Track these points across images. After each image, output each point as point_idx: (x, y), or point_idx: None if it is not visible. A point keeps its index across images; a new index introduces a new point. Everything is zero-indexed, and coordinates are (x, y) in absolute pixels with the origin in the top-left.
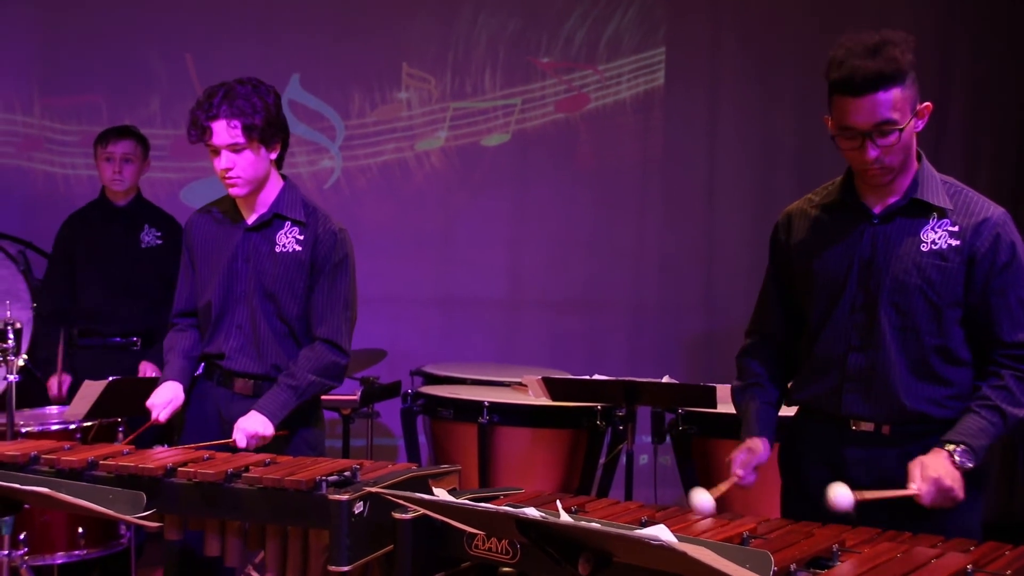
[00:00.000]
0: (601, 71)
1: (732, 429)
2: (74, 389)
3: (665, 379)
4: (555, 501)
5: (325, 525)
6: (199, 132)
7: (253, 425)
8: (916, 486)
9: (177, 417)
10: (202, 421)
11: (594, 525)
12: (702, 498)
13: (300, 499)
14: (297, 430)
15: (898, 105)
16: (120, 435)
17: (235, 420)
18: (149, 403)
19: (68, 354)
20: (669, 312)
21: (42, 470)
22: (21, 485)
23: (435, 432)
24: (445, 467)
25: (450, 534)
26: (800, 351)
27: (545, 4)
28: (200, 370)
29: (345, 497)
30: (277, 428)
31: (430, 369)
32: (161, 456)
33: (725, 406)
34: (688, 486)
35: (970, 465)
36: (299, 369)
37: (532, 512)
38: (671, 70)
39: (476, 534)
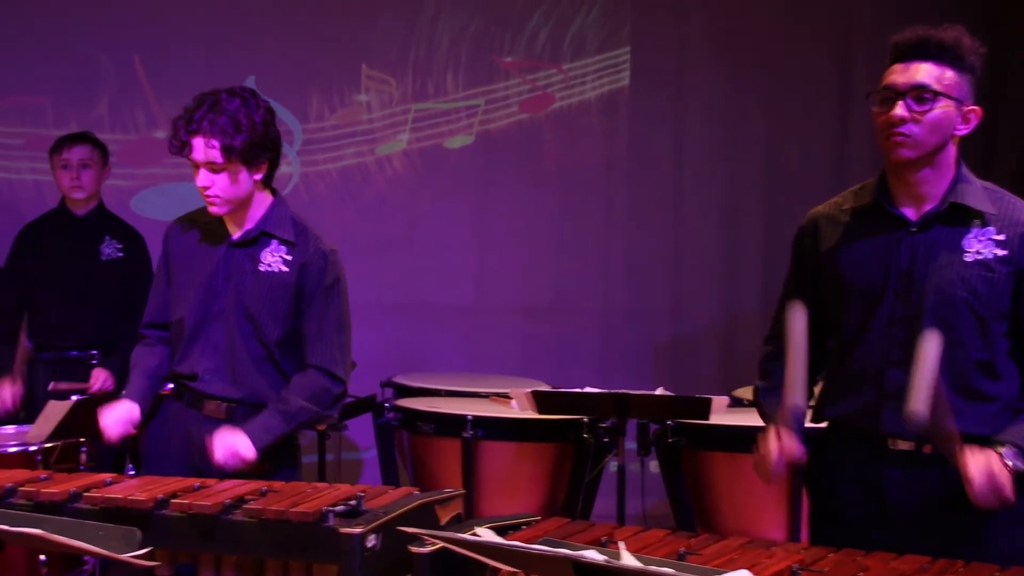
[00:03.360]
0: (566, 70)
1: (723, 441)
2: (27, 403)
3: (659, 391)
4: (617, 542)
5: (332, 559)
6: (179, 145)
7: (233, 441)
8: (970, 474)
9: (136, 439)
10: (169, 444)
11: (667, 570)
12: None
13: (305, 531)
14: (281, 469)
15: (944, 82)
16: (83, 456)
17: (207, 445)
18: (101, 423)
19: (23, 369)
20: (638, 317)
21: (19, 503)
22: (11, 527)
23: (415, 447)
24: (448, 491)
25: (471, 569)
26: (819, 359)
27: (507, 2)
28: (167, 389)
29: (358, 530)
30: (261, 458)
31: (402, 380)
32: (151, 487)
33: (717, 417)
34: (676, 497)
35: (1021, 465)
36: (290, 394)
37: (594, 555)
38: (636, 70)
39: (499, 568)
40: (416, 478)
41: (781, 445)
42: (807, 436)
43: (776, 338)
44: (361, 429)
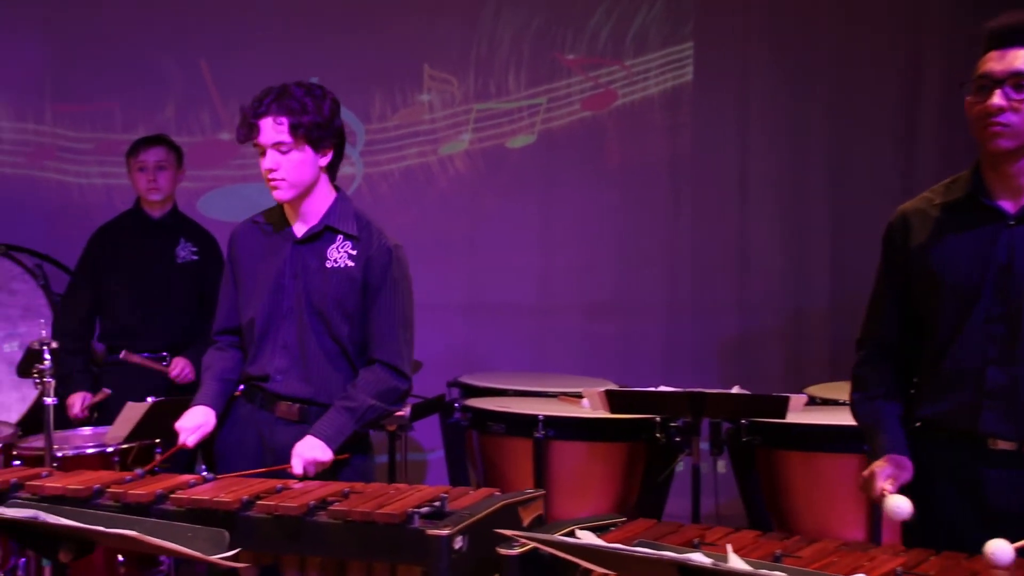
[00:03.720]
0: (628, 67)
1: (800, 440)
2: (97, 405)
3: (735, 389)
4: (723, 545)
5: (417, 561)
6: (246, 131)
7: (311, 451)
8: None
9: (209, 442)
10: (242, 446)
11: (778, 574)
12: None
13: (390, 533)
14: (352, 455)
15: None
16: (158, 457)
17: (279, 447)
18: (177, 426)
19: (93, 371)
20: (703, 315)
21: (107, 504)
22: (107, 528)
23: (484, 448)
24: (529, 492)
25: (560, 571)
26: (916, 360)
27: (569, 0)
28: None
29: (445, 532)
30: (336, 453)
31: (468, 380)
32: (235, 488)
33: (794, 416)
34: (749, 497)
35: None
36: (358, 392)
37: (700, 558)
38: (700, 65)
39: (590, 570)
40: (486, 479)
41: (896, 473)
42: None
43: (869, 341)
44: (426, 430)
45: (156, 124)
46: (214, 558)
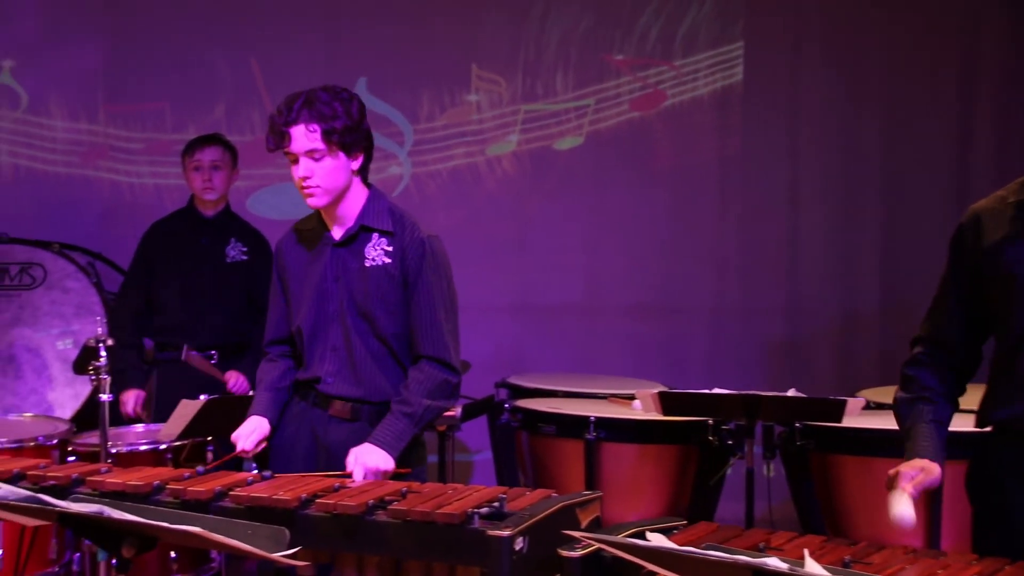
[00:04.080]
0: (677, 67)
1: (856, 444)
2: (149, 405)
3: (791, 392)
4: (803, 549)
5: (476, 561)
6: (277, 139)
7: (374, 460)
8: None
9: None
10: (295, 444)
11: None
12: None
13: (450, 533)
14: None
15: None
16: (209, 455)
17: (333, 445)
18: (234, 436)
19: (145, 368)
20: (751, 317)
21: (167, 501)
22: (171, 525)
23: (535, 449)
24: (587, 494)
25: (622, 573)
26: (974, 363)
27: (618, 0)
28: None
29: (506, 533)
30: (397, 463)
31: (517, 381)
32: (293, 486)
33: (850, 420)
34: (802, 501)
35: None
36: (412, 394)
37: (776, 563)
38: (750, 65)
39: (656, 574)
40: (536, 480)
41: (922, 478)
42: (969, 441)
43: (927, 340)
44: (472, 430)
45: (206, 124)
46: (275, 556)
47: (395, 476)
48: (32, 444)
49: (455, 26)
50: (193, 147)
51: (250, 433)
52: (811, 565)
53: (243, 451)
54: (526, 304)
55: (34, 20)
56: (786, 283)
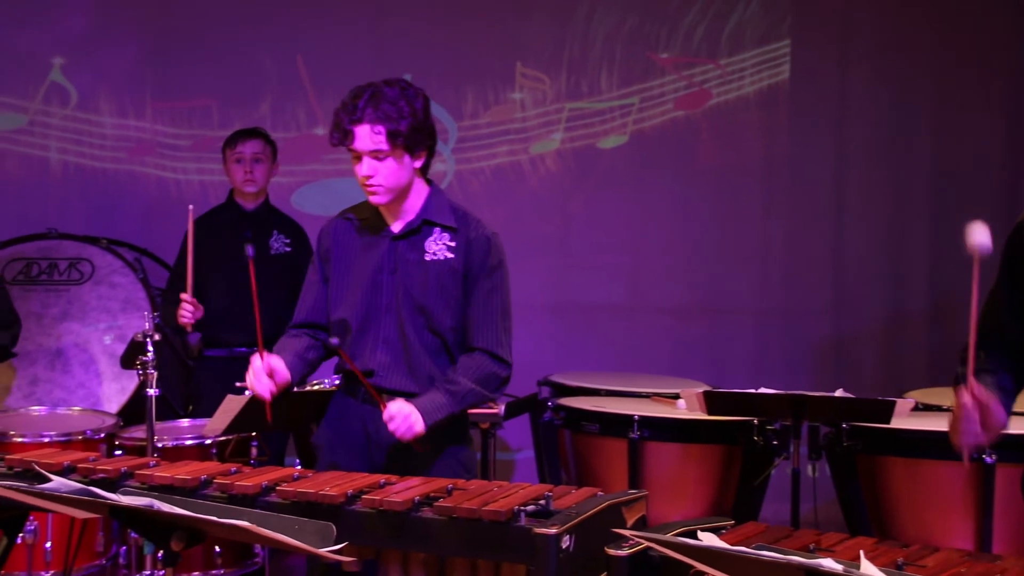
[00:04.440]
0: (723, 65)
1: (904, 446)
2: (195, 399)
3: (838, 393)
4: (858, 550)
5: (522, 559)
6: (341, 135)
7: (409, 418)
8: None
9: (304, 436)
10: (345, 441)
11: None
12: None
13: (496, 531)
14: (447, 447)
15: None
16: (254, 450)
17: (386, 441)
18: (249, 379)
19: (189, 364)
20: (796, 318)
21: (214, 495)
22: (220, 519)
23: (577, 447)
24: (633, 492)
25: (670, 573)
26: None
27: None
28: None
29: (553, 531)
30: (424, 440)
31: (560, 379)
32: (339, 482)
33: (899, 421)
34: (848, 503)
35: None
36: (459, 376)
37: (831, 564)
38: (797, 63)
39: (705, 574)
40: (578, 478)
41: (977, 398)
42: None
43: (985, 346)
44: (514, 429)
45: (252, 120)
46: (322, 551)
47: (416, 453)
48: (80, 438)
49: (500, 24)
50: (235, 140)
51: (260, 374)
52: (867, 567)
53: (257, 393)
54: (569, 303)
55: (83, 18)
56: (833, 283)
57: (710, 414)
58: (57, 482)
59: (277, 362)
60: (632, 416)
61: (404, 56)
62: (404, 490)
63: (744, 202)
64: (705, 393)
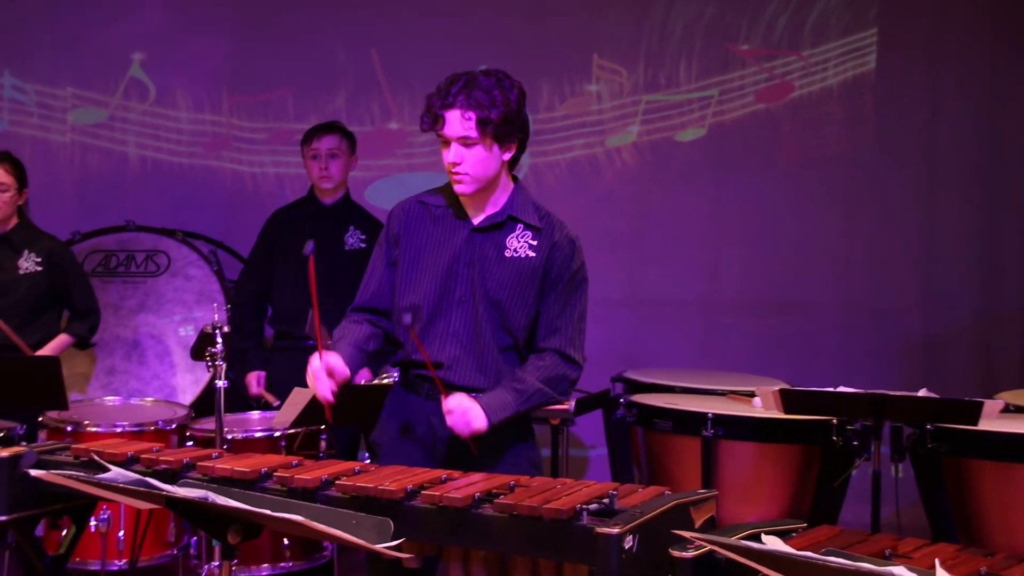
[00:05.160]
0: (806, 57)
1: (994, 449)
2: (269, 389)
3: (922, 392)
4: (936, 558)
5: (584, 559)
6: (432, 120)
7: (470, 413)
8: None
9: (368, 429)
10: (409, 436)
11: None
12: None
13: (557, 529)
14: (512, 445)
15: None
16: (322, 443)
17: (451, 437)
18: (309, 379)
19: (264, 354)
20: (882, 315)
21: (274, 488)
22: (274, 512)
23: (650, 445)
24: (702, 492)
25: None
26: None
27: None
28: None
29: (615, 531)
30: (481, 439)
31: (633, 375)
32: (400, 477)
33: (987, 423)
34: (933, 507)
35: None
36: (527, 375)
37: (904, 572)
38: (883, 52)
39: None
40: (651, 477)
41: None
42: None
43: None
44: (587, 425)
45: (327, 114)
46: (377, 547)
47: (496, 448)
48: (152, 428)
49: (576, 15)
50: (311, 136)
51: (321, 374)
52: None
53: (320, 396)
54: (644, 298)
55: (161, 13)
56: (921, 280)
57: (787, 413)
58: (115, 472)
59: (336, 360)
60: (706, 414)
61: (479, 49)
62: (465, 486)
63: (827, 196)
64: (781, 391)
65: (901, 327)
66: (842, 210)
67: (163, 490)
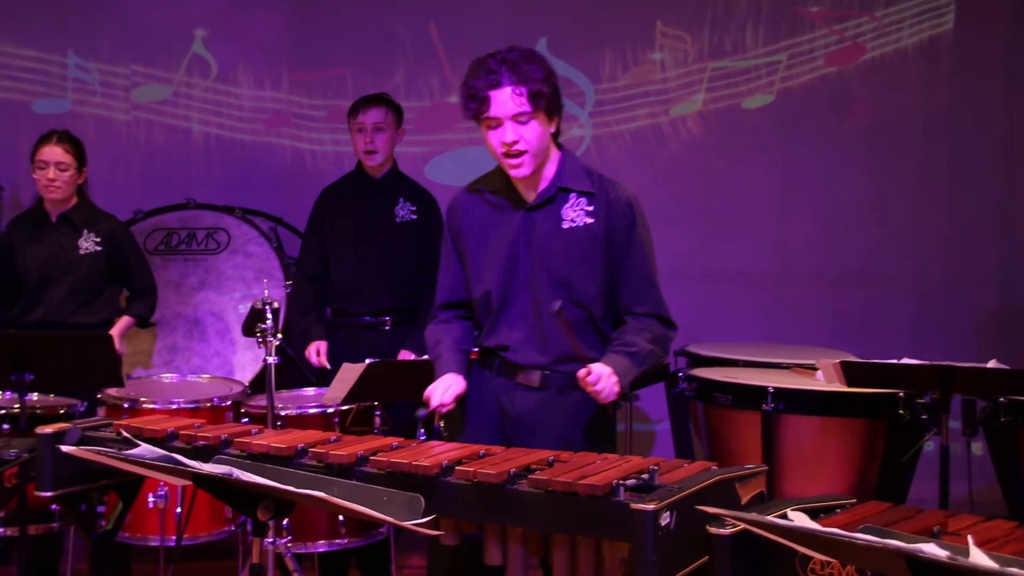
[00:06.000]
0: (879, 17)
1: None
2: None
3: (991, 363)
4: (966, 536)
5: (623, 536)
6: (478, 104)
7: (611, 379)
8: None
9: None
10: (479, 413)
11: None
12: None
13: (593, 506)
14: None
15: None
16: (377, 419)
17: (517, 414)
18: (427, 393)
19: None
20: (958, 286)
21: (310, 464)
22: (297, 488)
23: (710, 419)
24: (750, 467)
25: (778, 554)
26: None
27: None
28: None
29: (651, 507)
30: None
31: (696, 349)
32: (436, 453)
33: None
34: (1009, 483)
35: None
36: (636, 338)
37: (934, 550)
38: (962, 12)
39: (810, 556)
40: (712, 452)
41: None
42: None
43: None
44: (653, 399)
45: (386, 89)
46: (407, 523)
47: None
48: (208, 405)
49: None
50: (356, 108)
51: (447, 388)
52: (976, 555)
53: (442, 404)
54: (711, 271)
55: None
56: (999, 249)
57: (849, 386)
58: (143, 448)
59: (457, 382)
60: (766, 387)
61: (539, 19)
62: (502, 462)
63: (901, 163)
64: (843, 363)
65: (977, 299)
66: (915, 178)
67: (190, 467)
